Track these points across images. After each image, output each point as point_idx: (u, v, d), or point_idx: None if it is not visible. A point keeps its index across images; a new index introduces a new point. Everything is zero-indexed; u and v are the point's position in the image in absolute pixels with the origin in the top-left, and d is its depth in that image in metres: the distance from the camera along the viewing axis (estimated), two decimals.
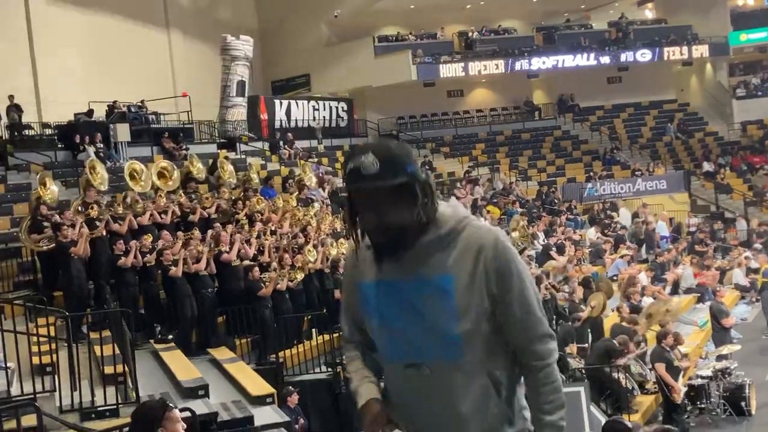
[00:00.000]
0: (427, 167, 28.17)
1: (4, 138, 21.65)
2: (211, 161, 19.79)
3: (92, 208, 13.14)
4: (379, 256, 2.60)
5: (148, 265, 12.47)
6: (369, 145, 2.57)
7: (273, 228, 15.45)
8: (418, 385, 2.64)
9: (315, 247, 14.92)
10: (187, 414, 4.28)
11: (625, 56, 34.76)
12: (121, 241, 12.54)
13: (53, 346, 8.52)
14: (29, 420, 6.16)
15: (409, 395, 2.69)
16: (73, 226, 12.30)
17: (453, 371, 2.60)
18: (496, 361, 2.63)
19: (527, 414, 2.73)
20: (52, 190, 14.21)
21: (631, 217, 26.05)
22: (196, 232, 13.70)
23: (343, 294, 2.99)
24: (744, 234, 26.48)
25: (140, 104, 24.30)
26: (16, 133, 21.65)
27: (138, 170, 15.29)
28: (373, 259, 2.63)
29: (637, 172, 29.91)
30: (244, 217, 15.42)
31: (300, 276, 13.85)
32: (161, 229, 13.78)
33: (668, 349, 12.77)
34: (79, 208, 13.23)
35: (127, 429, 5.76)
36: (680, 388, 12.44)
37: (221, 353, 11.98)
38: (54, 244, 12.35)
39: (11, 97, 21.67)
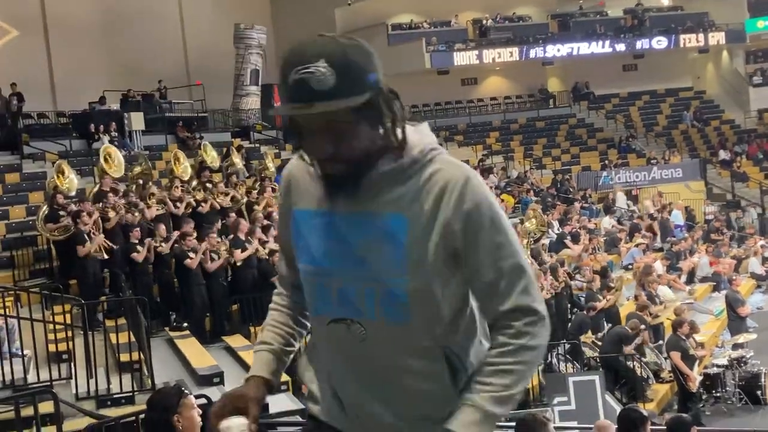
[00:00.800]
0: None
1: (19, 127, 21.78)
2: (225, 150, 19.84)
3: (108, 206, 13.09)
4: (330, 189, 2.06)
5: (162, 254, 12.48)
6: (317, 46, 1.92)
7: None
8: (343, 347, 2.10)
9: None
10: (203, 401, 4.29)
11: (641, 43, 34.50)
12: (137, 230, 12.57)
13: (69, 333, 8.57)
14: (46, 407, 6.19)
15: (331, 352, 2.15)
16: (90, 214, 12.33)
17: (394, 336, 2.05)
18: (456, 335, 2.09)
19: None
20: (70, 179, 14.23)
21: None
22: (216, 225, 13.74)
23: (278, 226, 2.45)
24: (756, 223, 26.36)
25: (160, 87, 24.31)
26: (21, 122, 21.66)
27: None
28: (321, 188, 2.09)
29: (652, 161, 29.76)
30: (262, 210, 15.36)
31: None
32: (175, 219, 13.82)
33: (684, 337, 12.74)
34: (99, 205, 13.20)
35: (142, 416, 5.79)
36: (695, 376, 12.40)
37: (236, 341, 12.01)
38: (69, 234, 12.39)
39: (13, 85, 21.66)
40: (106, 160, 14.84)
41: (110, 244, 12.28)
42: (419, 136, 2.09)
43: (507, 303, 2.02)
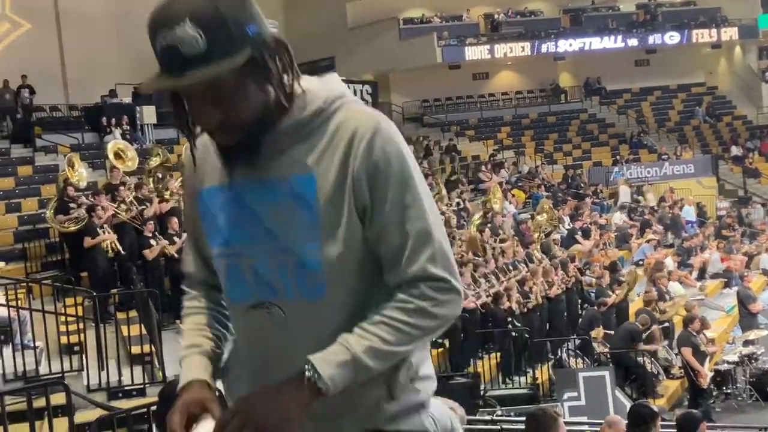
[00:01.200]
0: (453, 152, 28.16)
1: (31, 120, 21.85)
2: None
3: (119, 199, 13.11)
4: (228, 160, 1.84)
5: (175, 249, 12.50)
6: (182, 3, 1.68)
7: None
8: (267, 334, 1.87)
9: None
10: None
11: (653, 39, 34.35)
12: (150, 223, 12.59)
13: (81, 326, 8.60)
14: (57, 399, 6.23)
15: (255, 348, 1.92)
16: (105, 210, 12.36)
17: (313, 315, 1.83)
18: (369, 299, 1.86)
19: (425, 385, 1.98)
20: (80, 172, 14.26)
21: (658, 201, 25.85)
22: None
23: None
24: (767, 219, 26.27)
25: None
26: (32, 115, 21.67)
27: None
28: (221, 162, 1.86)
29: (664, 156, 29.65)
30: None
31: None
32: None
33: (695, 333, 12.71)
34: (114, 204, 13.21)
35: (154, 408, 5.81)
36: (706, 373, 12.38)
37: None
38: (80, 226, 12.43)
39: (24, 77, 21.68)
40: (118, 156, 14.82)
41: (118, 246, 12.28)
42: (324, 85, 1.88)
43: (412, 270, 1.80)
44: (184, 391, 1.87)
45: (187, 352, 1.95)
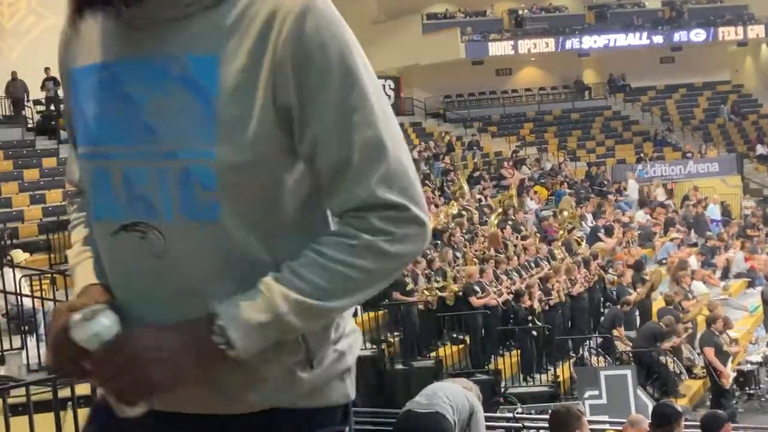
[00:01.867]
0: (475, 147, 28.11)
1: (56, 112, 22.00)
2: None
3: None
4: (106, 26, 1.44)
5: None
6: None
7: None
8: (139, 265, 1.41)
9: None
10: None
11: (679, 36, 34.13)
12: None
13: None
14: (82, 389, 6.26)
15: (123, 283, 1.45)
16: None
17: (202, 245, 1.38)
18: (294, 238, 1.41)
19: (351, 344, 1.54)
20: None
21: (682, 200, 25.68)
22: None
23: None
24: None
25: None
26: (58, 107, 21.73)
27: None
28: (103, 29, 1.44)
29: (688, 154, 29.44)
30: None
31: None
32: None
33: (717, 333, 12.62)
34: None
35: None
36: (729, 373, 12.29)
37: None
38: None
39: (47, 70, 21.75)
40: None
41: None
42: None
43: (358, 195, 1.37)
44: (83, 294, 1.48)
45: (79, 259, 1.58)
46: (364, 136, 1.37)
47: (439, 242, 15.71)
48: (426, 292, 13.26)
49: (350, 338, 1.54)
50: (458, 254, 15.37)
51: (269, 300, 1.34)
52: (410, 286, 13.08)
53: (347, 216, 1.39)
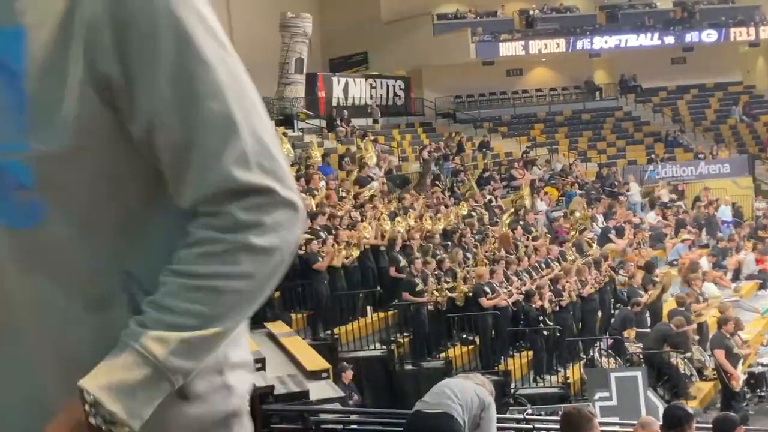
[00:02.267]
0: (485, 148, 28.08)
1: None
2: None
3: None
4: None
5: None
6: None
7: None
8: None
9: (369, 223, 14.90)
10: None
11: (690, 36, 33.98)
12: None
13: None
14: None
15: None
16: None
17: (25, 258, 1.16)
18: (143, 248, 1.19)
19: (239, 379, 1.26)
20: None
21: (693, 201, 25.58)
22: None
23: None
24: None
25: None
26: None
27: None
28: None
29: (700, 155, 29.32)
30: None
31: (355, 253, 13.84)
32: None
33: (728, 335, 12.55)
34: None
35: None
36: (739, 375, 12.23)
37: (277, 327, 12.07)
38: None
39: None
40: None
41: None
42: None
43: (211, 181, 1.13)
44: None
45: None
46: (208, 109, 1.13)
47: (449, 243, 15.69)
48: (435, 293, 13.25)
49: (238, 373, 1.25)
50: (468, 255, 15.34)
51: (142, 350, 1.09)
52: (420, 287, 13.07)
53: (204, 213, 1.14)
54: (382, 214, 15.75)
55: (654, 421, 5.95)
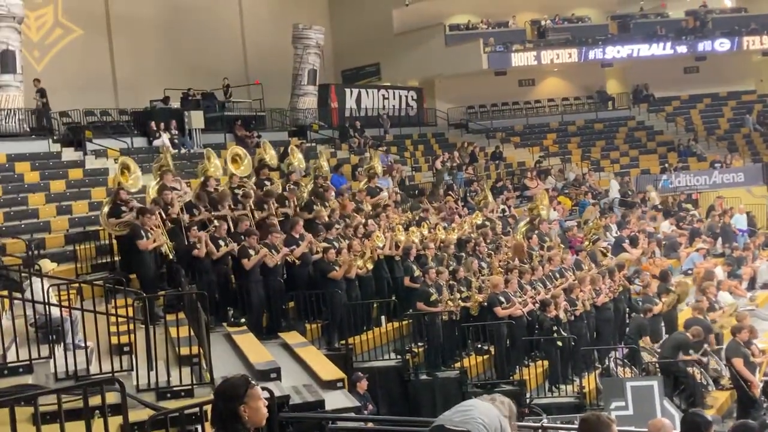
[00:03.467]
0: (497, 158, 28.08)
1: (83, 124, 22.22)
2: (282, 149, 19.98)
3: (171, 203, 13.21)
4: None
5: (232, 252, 12.52)
6: None
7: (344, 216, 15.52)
8: None
9: (384, 233, 14.89)
10: (267, 394, 4.32)
11: (703, 45, 33.88)
12: (194, 229, 12.65)
13: (131, 326, 8.69)
14: (110, 397, 6.30)
15: None
16: (152, 214, 12.43)
17: None
18: None
19: None
20: (136, 175, 14.24)
21: (707, 210, 25.48)
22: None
23: None
24: None
25: (225, 85, 24.62)
26: (40, 118, 21.34)
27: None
28: None
29: (716, 164, 29.22)
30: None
31: (370, 265, 13.83)
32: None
33: (743, 343, 12.48)
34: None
35: (205, 407, 5.85)
36: (758, 382, 12.14)
37: (292, 338, 12.07)
38: (128, 230, 12.56)
39: (36, 81, 21.55)
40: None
41: (169, 249, 12.42)
42: None
43: None
44: None
45: None
46: None
47: (464, 253, 15.66)
48: (450, 303, 13.23)
49: None
50: (483, 264, 15.32)
51: None
52: (434, 297, 13.07)
53: None
54: (397, 224, 15.74)
55: (667, 423, 5.86)
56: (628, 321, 15.29)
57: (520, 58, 32.91)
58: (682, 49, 33.78)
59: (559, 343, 12.98)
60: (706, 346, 12.99)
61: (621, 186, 26.80)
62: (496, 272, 14.87)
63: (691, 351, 12.95)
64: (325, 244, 13.46)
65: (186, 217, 13.11)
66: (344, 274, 13.00)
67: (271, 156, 16.80)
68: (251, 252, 12.34)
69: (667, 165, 29.69)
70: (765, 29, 34.06)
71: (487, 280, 14.07)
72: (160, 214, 12.76)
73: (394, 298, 13.87)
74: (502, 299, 13.17)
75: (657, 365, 12.91)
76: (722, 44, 33.82)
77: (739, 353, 12.27)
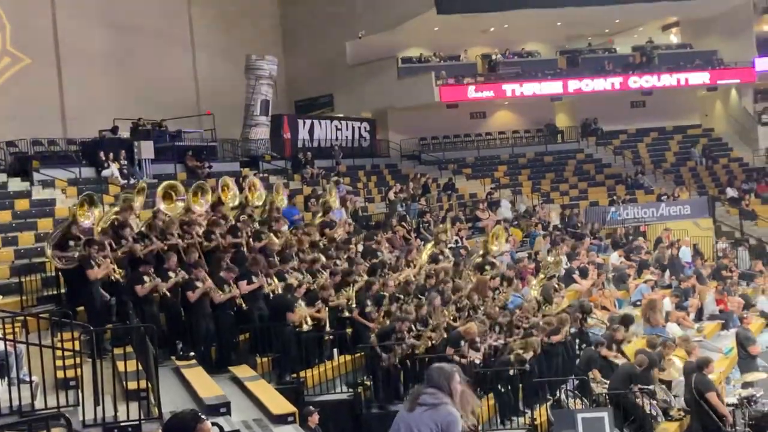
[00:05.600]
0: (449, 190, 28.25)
1: (30, 153, 21.89)
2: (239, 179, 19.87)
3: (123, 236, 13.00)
4: None
5: (177, 284, 12.36)
6: None
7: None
8: None
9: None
10: (216, 429, 4.25)
11: (649, 81, 34.56)
12: (144, 267, 12.43)
13: (77, 360, 8.52)
14: None
15: None
16: (102, 247, 12.19)
17: None
18: None
19: None
20: (94, 212, 13.87)
21: (655, 243, 25.85)
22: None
23: None
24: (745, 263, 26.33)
25: (158, 124, 24.41)
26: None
27: (178, 189, 15.27)
28: None
29: (662, 197, 29.73)
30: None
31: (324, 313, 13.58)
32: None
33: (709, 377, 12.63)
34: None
35: None
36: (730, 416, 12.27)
37: (242, 371, 11.94)
38: (74, 265, 12.33)
39: None
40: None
41: (117, 275, 12.20)
42: None
43: None
44: None
45: None
46: None
47: (425, 290, 15.39)
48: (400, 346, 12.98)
49: None
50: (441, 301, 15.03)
51: None
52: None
53: None
54: (360, 275, 15.41)
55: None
56: (578, 352, 15.35)
57: (472, 91, 33.16)
58: (629, 83, 34.37)
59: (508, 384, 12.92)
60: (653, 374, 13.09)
61: (570, 218, 27.12)
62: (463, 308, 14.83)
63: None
64: (284, 283, 13.36)
65: (139, 246, 12.88)
66: (299, 320, 12.84)
67: (233, 195, 16.44)
68: (197, 284, 12.20)
69: (615, 197, 30.14)
70: (709, 65, 34.94)
71: (465, 326, 13.93)
72: (110, 244, 12.56)
73: (347, 330, 13.79)
74: (462, 343, 12.98)
75: (607, 396, 12.98)
76: (668, 80, 34.51)
77: (711, 387, 12.39)
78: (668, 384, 14.08)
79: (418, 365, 13.33)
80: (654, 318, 16.86)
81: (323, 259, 15.35)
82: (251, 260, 13.36)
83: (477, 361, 13.04)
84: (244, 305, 12.67)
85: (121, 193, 15.18)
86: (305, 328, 12.90)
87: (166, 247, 13.14)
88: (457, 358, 12.67)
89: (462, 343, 12.92)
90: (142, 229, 13.74)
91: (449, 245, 19.81)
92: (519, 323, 14.80)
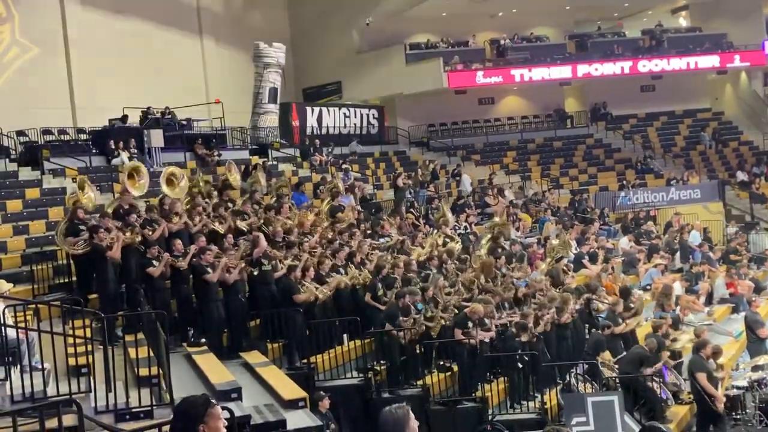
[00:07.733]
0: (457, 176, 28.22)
1: (40, 143, 21.94)
2: (244, 167, 19.90)
3: (130, 216, 13.13)
4: None
5: (182, 269, 12.46)
6: None
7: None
8: None
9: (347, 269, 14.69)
10: (227, 414, 4.28)
11: (659, 64, 34.40)
12: (155, 248, 12.55)
13: (89, 347, 8.57)
14: (67, 419, 6.20)
15: None
16: (108, 230, 12.36)
17: None
18: None
19: None
20: (90, 194, 14.23)
21: (665, 227, 25.79)
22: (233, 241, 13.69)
23: None
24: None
25: (167, 111, 24.43)
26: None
27: (177, 175, 15.25)
28: None
29: (672, 181, 29.63)
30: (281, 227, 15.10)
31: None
32: (192, 235, 13.78)
33: (705, 358, 12.62)
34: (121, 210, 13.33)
35: (156, 431, 5.78)
36: (722, 397, 12.28)
37: (253, 357, 11.99)
38: (89, 248, 12.42)
39: None
40: (131, 176, 14.78)
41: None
42: None
43: None
44: None
45: None
46: None
47: (429, 271, 15.52)
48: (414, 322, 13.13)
49: None
50: (446, 282, 15.23)
51: None
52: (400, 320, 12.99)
53: None
54: (368, 254, 15.56)
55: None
56: (587, 336, 15.37)
57: (480, 77, 33.08)
58: (638, 67, 34.21)
59: (520, 365, 12.97)
60: (658, 365, 13.10)
61: (580, 203, 27.07)
62: (465, 289, 14.90)
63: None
64: (289, 262, 13.43)
65: (147, 231, 12.97)
66: (306, 300, 12.94)
67: (234, 179, 16.65)
68: (209, 269, 12.29)
69: (624, 182, 30.06)
70: (719, 48, 34.74)
71: (460, 302, 14.07)
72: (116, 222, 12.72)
73: (356, 316, 13.84)
74: (470, 324, 13.02)
75: (617, 380, 13.01)
76: (678, 63, 34.32)
77: (703, 368, 12.41)
78: (678, 367, 14.10)
79: (433, 348, 13.41)
80: (668, 304, 16.87)
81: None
82: (252, 242, 13.45)
83: (487, 341, 13.09)
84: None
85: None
86: (321, 297, 12.99)
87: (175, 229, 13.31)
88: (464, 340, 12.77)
89: (470, 324, 12.96)
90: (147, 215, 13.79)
91: (458, 231, 19.81)
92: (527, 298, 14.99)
